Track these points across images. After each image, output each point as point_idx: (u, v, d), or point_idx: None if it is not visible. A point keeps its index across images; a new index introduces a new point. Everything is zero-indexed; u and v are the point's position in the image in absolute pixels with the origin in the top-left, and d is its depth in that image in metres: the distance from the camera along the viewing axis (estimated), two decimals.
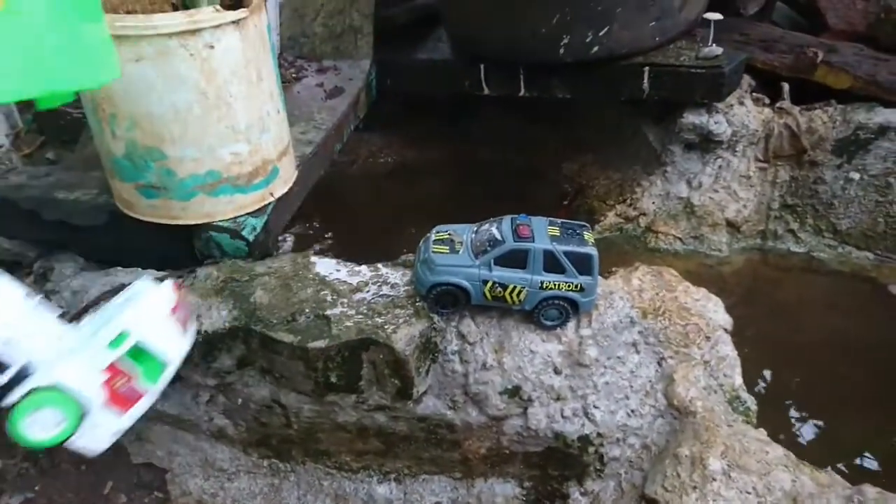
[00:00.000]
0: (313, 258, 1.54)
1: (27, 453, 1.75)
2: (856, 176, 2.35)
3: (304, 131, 1.99)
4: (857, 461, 1.74)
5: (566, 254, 1.32)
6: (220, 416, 1.54)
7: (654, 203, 2.54)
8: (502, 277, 1.32)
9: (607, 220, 2.61)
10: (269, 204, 1.62)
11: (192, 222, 1.54)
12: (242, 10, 1.38)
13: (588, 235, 1.38)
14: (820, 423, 1.85)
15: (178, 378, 1.47)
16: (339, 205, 2.94)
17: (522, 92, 2.51)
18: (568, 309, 1.37)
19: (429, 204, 2.99)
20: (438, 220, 2.80)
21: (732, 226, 2.47)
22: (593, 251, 1.33)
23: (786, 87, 2.45)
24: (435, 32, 2.77)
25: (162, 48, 1.29)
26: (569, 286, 1.34)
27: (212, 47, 1.34)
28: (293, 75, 2.39)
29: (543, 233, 1.34)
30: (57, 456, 1.74)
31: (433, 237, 1.40)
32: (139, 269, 1.60)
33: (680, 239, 2.49)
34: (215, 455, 1.66)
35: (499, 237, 1.33)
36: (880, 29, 2.43)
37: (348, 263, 1.51)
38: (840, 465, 1.70)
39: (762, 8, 2.83)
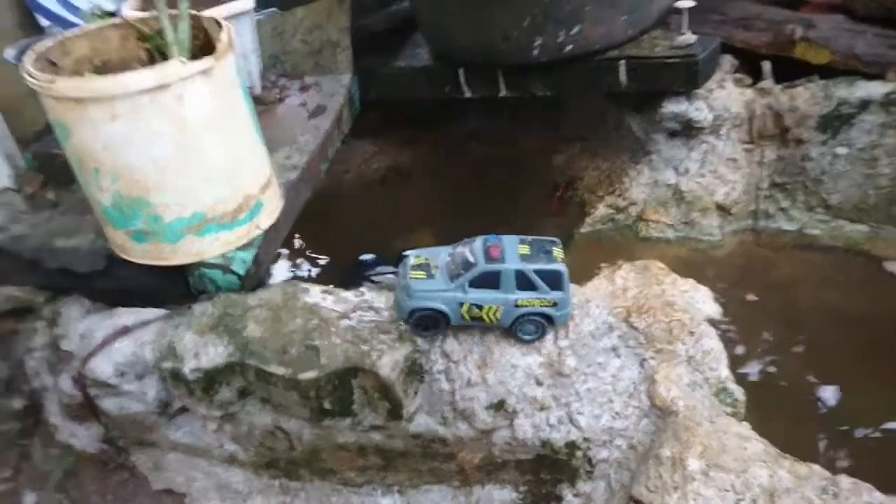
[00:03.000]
0: (302, 286, 1.61)
1: (58, 484, 1.85)
2: (842, 151, 2.35)
3: (288, 156, 2.05)
4: (859, 434, 1.76)
5: (536, 272, 1.37)
6: (230, 442, 1.62)
7: (642, 192, 2.56)
8: (478, 299, 1.37)
9: (598, 211, 2.64)
10: (257, 236, 1.68)
11: (184, 262, 1.61)
12: (209, 58, 1.43)
13: (557, 251, 1.42)
14: (819, 399, 1.87)
15: (185, 409, 1.56)
16: (336, 215, 3.00)
17: (503, 93, 2.54)
18: (544, 323, 1.42)
19: (424, 206, 3.04)
20: (434, 222, 2.87)
21: (722, 209, 2.49)
22: (562, 267, 1.38)
23: (766, 65, 2.44)
24: (413, 38, 2.79)
25: (134, 105, 1.35)
26: (542, 302, 1.39)
27: (182, 98, 1.39)
28: (276, 96, 2.44)
29: (514, 252, 1.39)
30: (84, 487, 1.85)
31: (410, 262, 1.46)
32: (140, 308, 1.68)
33: (671, 226, 2.51)
34: (229, 478, 1.74)
35: (471, 260, 1.39)
36: (856, 0, 2.41)
37: (335, 290, 1.58)
38: (841, 442, 1.72)
39: None
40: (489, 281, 1.36)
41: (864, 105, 2.26)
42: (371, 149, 3.26)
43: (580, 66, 2.34)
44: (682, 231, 2.49)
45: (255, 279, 1.67)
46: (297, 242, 2.84)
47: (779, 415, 1.85)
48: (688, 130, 2.41)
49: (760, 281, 2.32)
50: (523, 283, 1.37)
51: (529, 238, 1.45)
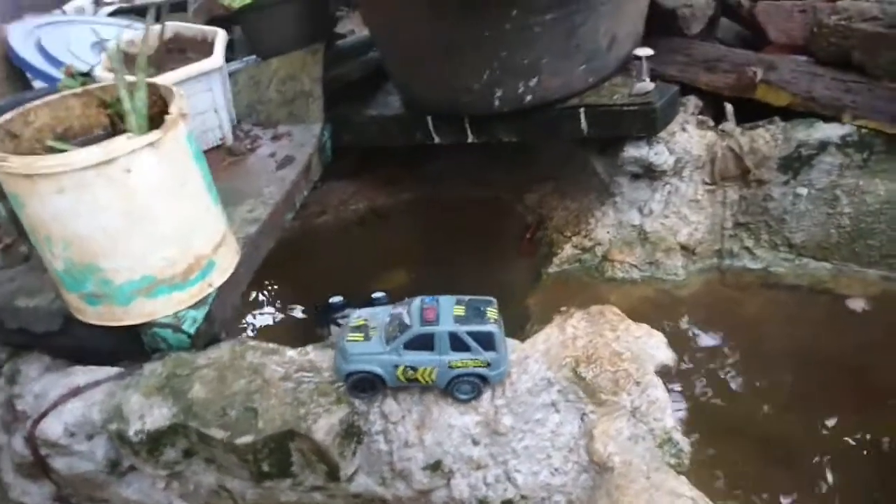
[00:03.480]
0: (251, 344, 1.65)
1: None
2: (803, 191, 2.37)
3: (251, 209, 2.10)
4: (815, 471, 1.76)
5: (469, 333, 1.40)
6: (178, 499, 1.65)
7: (608, 232, 2.60)
8: (413, 361, 1.41)
9: (565, 252, 2.67)
10: (210, 294, 1.73)
11: (136, 322, 1.65)
12: (157, 131, 1.49)
13: (491, 311, 1.46)
14: (785, 437, 1.86)
15: (134, 468, 1.59)
16: (309, 258, 3.05)
17: (471, 139, 2.60)
18: (479, 383, 1.45)
19: (401, 247, 3.09)
20: (411, 263, 2.91)
21: (686, 249, 2.51)
22: (493, 328, 1.41)
23: (729, 108, 2.48)
24: (385, 86, 2.86)
25: (80, 180, 1.41)
26: (475, 363, 1.42)
27: (129, 171, 1.45)
28: (247, 147, 2.50)
29: (449, 314, 1.42)
30: None
31: (350, 324, 1.50)
32: (97, 366, 1.73)
33: (636, 266, 2.53)
34: None
35: (407, 322, 1.42)
36: (815, 43, 2.44)
37: (281, 349, 1.61)
38: (797, 484, 1.72)
39: (706, 26, 2.85)
40: (424, 343, 1.40)
41: (823, 146, 2.29)
42: (350, 189, 3.32)
43: (541, 115, 2.39)
44: (647, 271, 2.51)
45: (207, 336, 1.72)
46: (272, 288, 2.89)
47: (736, 457, 1.85)
48: (650, 173, 2.45)
49: (725, 320, 2.34)
50: (457, 344, 1.40)
51: (466, 298, 1.48)
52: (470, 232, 3.05)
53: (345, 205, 3.26)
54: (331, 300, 2.54)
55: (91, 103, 1.78)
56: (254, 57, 3.14)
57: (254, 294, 2.85)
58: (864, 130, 2.21)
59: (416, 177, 3.29)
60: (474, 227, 3.07)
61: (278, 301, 2.88)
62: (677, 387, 2.07)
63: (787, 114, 2.37)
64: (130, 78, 1.65)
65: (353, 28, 3.43)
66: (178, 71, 2.21)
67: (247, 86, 2.84)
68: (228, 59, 3.39)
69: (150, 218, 1.53)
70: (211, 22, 3.12)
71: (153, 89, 1.71)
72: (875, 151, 2.23)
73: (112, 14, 4.07)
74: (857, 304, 2.27)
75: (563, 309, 2.07)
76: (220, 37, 2.41)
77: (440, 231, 3.14)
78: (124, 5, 4.25)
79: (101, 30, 3.13)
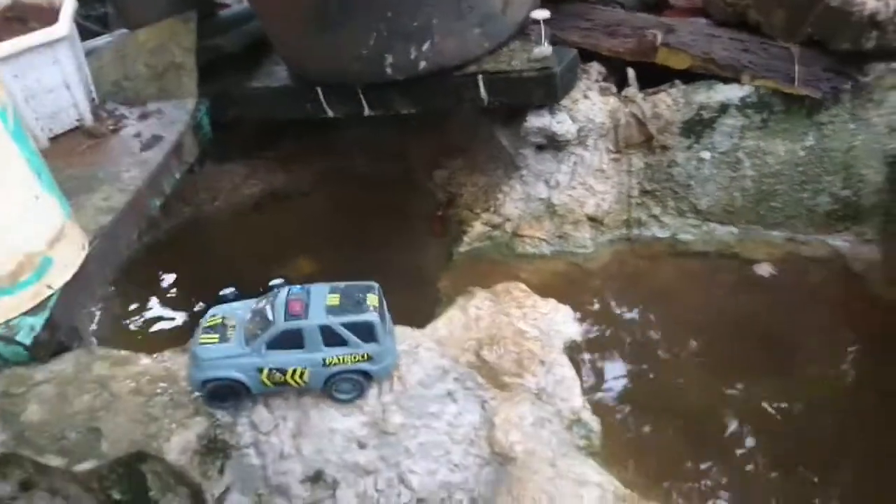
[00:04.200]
0: (99, 352, 1.42)
1: None
2: (706, 155, 2.32)
3: (106, 196, 1.84)
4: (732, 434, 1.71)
5: (345, 325, 1.23)
6: None
7: (516, 207, 2.48)
8: (279, 361, 1.22)
9: (475, 229, 2.54)
10: (51, 296, 1.48)
11: None
12: None
13: (372, 298, 1.29)
14: (702, 407, 1.80)
15: None
16: (203, 249, 2.79)
17: (367, 112, 2.41)
18: (361, 380, 1.28)
19: (302, 231, 2.87)
20: (316, 248, 2.70)
21: (594, 220, 2.43)
22: (372, 317, 1.24)
23: (631, 73, 2.40)
24: (272, 57, 2.62)
25: None
26: (355, 357, 1.25)
27: None
28: (110, 127, 2.22)
29: (320, 305, 1.24)
30: None
31: (204, 324, 1.29)
32: None
33: (545, 241, 2.43)
34: None
35: (270, 317, 1.23)
36: (712, 5, 2.40)
37: (133, 356, 1.39)
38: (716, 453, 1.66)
39: None
40: (291, 340, 1.22)
41: (724, 109, 2.24)
42: (243, 171, 3.05)
43: (438, 83, 2.23)
44: (557, 245, 2.42)
45: (49, 346, 1.47)
46: (160, 284, 2.61)
47: (651, 430, 1.79)
48: (554, 143, 2.34)
49: (636, 291, 2.28)
50: (331, 338, 1.23)
51: (342, 285, 1.31)
52: (380, 212, 2.86)
53: (238, 189, 3.00)
54: (222, 292, 2.32)
55: None
56: (122, 31, 2.81)
57: (139, 291, 2.57)
58: (762, 91, 2.18)
59: (320, 152, 3.06)
60: (384, 206, 2.88)
61: (169, 298, 2.60)
62: (588, 363, 1.99)
63: (689, 77, 2.32)
64: None
65: None
66: (13, 41, 1.90)
67: (112, 61, 2.53)
68: (97, 34, 3.04)
69: None
70: None
71: None
72: (774, 111, 2.20)
73: None
74: (765, 270, 2.26)
75: (469, 289, 1.95)
76: (68, 3, 2.10)
77: (347, 213, 2.93)
78: None
79: None
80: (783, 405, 1.75)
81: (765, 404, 1.75)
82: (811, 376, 1.83)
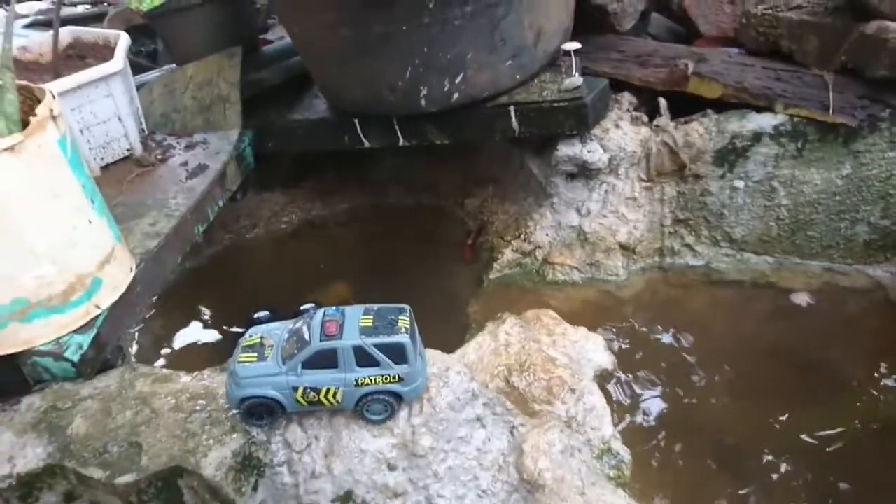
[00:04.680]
0: (142, 370, 1.47)
1: None
2: (740, 184, 2.31)
3: (153, 222, 1.93)
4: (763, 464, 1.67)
5: (377, 346, 1.26)
6: None
7: (547, 235, 2.50)
8: (313, 381, 1.26)
9: (506, 256, 2.56)
10: (99, 316, 1.55)
11: (12, 351, 1.46)
12: (17, 134, 1.32)
13: (403, 320, 1.31)
14: (737, 437, 1.77)
15: None
16: (242, 274, 2.88)
17: (402, 142, 2.47)
18: (392, 402, 1.30)
19: (337, 258, 2.93)
20: (347, 275, 2.76)
21: (626, 248, 2.42)
22: (404, 339, 1.27)
23: (662, 102, 2.42)
24: (311, 90, 2.73)
25: None
26: (386, 378, 1.27)
27: None
28: (158, 157, 2.33)
29: (354, 326, 1.28)
30: None
31: (243, 343, 1.34)
32: None
33: (577, 268, 2.44)
34: None
35: (306, 337, 1.27)
36: (744, 34, 2.41)
37: (174, 374, 1.45)
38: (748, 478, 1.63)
39: (638, 21, 2.81)
40: (326, 360, 1.25)
41: (757, 137, 2.24)
42: (282, 200, 3.16)
43: (471, 114, 2.29)
44: (588, 273, 2.41)
45: (96, 363, 1.54)
46: (201, 307, 2.70)
47: (685, 460, 1.75)
48: (586, 172, 2.36)
49: (669, 320, 2.25)
50: (363, 359, 1.26)
51: (376, 307, 1.34)
52: (412, 240, 2.92)
53: (277, 217, 3.09)
54: (256, 315, 2.38)
55: None
56: (170, 66, 2.96)
57: (180, 313, 2.66)
58: (796, 119, 2.17)
59: (354, 183, 3.16)
60: (416, 234, 2.94)
61: (208, 320, 2.68)
62: (620, 391, 1.97)
63: (721, 106, 2.32)
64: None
65: (283, 35, 3.29)
66: (73, 76, 2.03)
67: (161, 94, 2.66)
68: (147, 69, 3.21)
69: (15, 231, 1.35)
70: (130, 30, 2.93)
71: (27, 92, 1.54)
72: (809, 140, 2.19)
73: (27, 26, 3.85)
74: (802, 299, 2.21)
75: (499, 315, 1.97)
76: (123, 40, 2.24)
77: (381, 240, 3.00)
78: (40, 17, 4.03)
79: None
80: (822, 435, 1.70)
81: (803, 435, 1.71)
82: (851, 406, 1.78)
